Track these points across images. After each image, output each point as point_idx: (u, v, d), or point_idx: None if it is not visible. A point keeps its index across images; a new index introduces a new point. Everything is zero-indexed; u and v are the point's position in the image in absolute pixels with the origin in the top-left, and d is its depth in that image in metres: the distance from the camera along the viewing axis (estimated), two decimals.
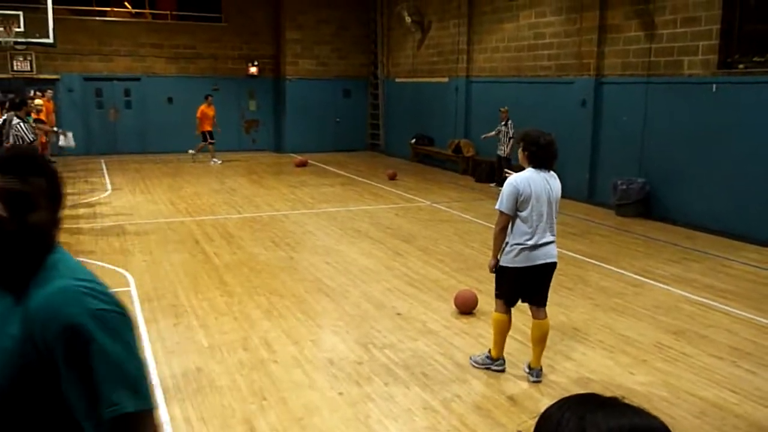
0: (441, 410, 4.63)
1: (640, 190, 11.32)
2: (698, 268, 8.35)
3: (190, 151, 18.23)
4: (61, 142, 14.08)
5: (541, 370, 5.14)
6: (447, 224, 10.75)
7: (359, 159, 19.82)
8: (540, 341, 5.14)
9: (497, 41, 15.53)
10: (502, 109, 13.93)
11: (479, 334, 6.04)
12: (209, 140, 17.83)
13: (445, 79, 17.49)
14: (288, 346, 5.73)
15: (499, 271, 5.06)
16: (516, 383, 5.08)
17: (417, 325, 6.27)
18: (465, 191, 14.14)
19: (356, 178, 15.91)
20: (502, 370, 5.26)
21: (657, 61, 11.32)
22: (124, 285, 7.41)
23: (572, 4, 13.07)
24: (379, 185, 14.75)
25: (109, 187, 14.20)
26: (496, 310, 5.25)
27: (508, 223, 4.93)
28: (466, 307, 6.61)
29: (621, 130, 12.08)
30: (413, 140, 18.85)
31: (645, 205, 11.37)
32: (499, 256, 5.01)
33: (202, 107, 17.71)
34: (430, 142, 18.45)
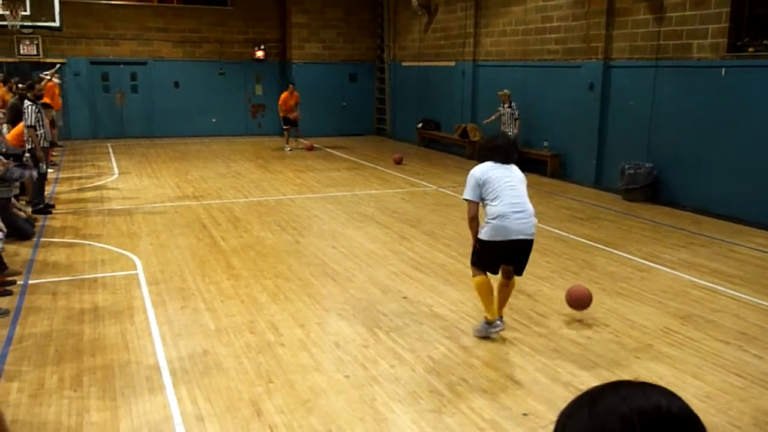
0: (447, 393, 4.65)
1: (648, 175, 11.27)
2: (705, 253, 8.32)
3: (289, 147, 17.82)
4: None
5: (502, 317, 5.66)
6: (453, 208, 10.73)
7: (366, 143, 19.78)
8: (507, 297, 5.74)
9: (504, 25, 15.41)
10: (500, 93, 13.89)
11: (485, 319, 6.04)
12: (284, 126, 17.80)
13: (452, 63, 17.39)
14: (294, 329, 5.76)
15: (477, 243, 5.52)
16: (522, 368, 5.09)
17: (423, 309, 6.28)
18: None
19: (362, 162, 15.88)
20: (502, 329, 5.58)
21: (666, 44, 11.22)
22: (131, 268, 7.45)
23: None
24: (385, 170, 14.72)
25: (116, 170, 14.23)
26: (474, 276, 5.62)
27: (477, 210, 5.48)
28: (580, 305, 6.09)
29: (629, 114, 12.00)
30: (420, 124, 18.78)
31: (652, 189, 11.32)
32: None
33: (284, 95, 17.68)
34: (436, 127, 18.39)
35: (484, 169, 5.43)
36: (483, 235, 5.41)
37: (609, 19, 12.28)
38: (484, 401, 4.55)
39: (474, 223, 5.52)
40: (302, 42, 20.71)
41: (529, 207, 5.44)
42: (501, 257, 5.45)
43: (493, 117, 14.26)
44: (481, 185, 5.37)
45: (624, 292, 6.82)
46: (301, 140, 18.30)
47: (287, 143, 17.80)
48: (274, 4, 20.85)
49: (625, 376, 1.25)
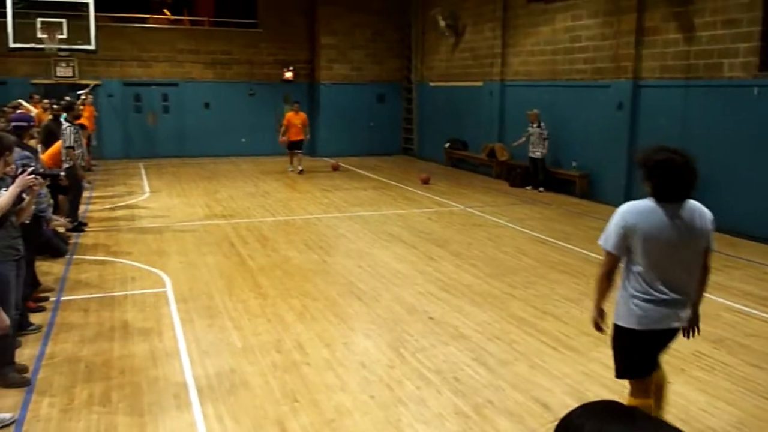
0: (473, 415, 4.61)
1: None
2: (739, 276, 8.15)
3: (299, 168, 17.02)
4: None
5: None
6: (480, 229, 10.70)
7: (393, 163, 19.84)
8: (664, 395, 4.26)
9: (532, 45, 15.42)
10: (529, 112, 13.98)
11: (512, 340, 5.99)
12: (293, 150, 16.97)
13: (480, 83, 17.42)
14: (320, 348, 5.76)
15: (614, 333, 3.96)
16: (550, 390, 5.02)
17: (449, 330, 6.25)
18: (499, 195, 14.05)
19: (389, 182, 15.93)
20: None
21: (696, 63, 11.12)
22: (160, 285, 7.53)
23: (609, 7, 12.91)
24: (412, 189, 14.74)
25: (147, 189, 14.46)
26: (633, 397, 4.01)
27: (615, 266, 3.88)
28: None
29: (659, 133, 11.87)
30: (447, 144, 18.80)
31: None
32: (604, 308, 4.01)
33: (289, 114, 16.98)
34: (463, 147, 18.39)
35: (638, 210, 3.74)
36: (622, 319, 3.83)
37: (638, 38, 12.22)
38: (510, 424, 4.50)
39: (606, 281, 3.93)
40: (330, 63, 20.93)
41: (693, 283, 3.87)
42: (654, 351, 3.95)
43: (522, 139, 14.33)
44: (627, 234, 3.73)
45: None
46: (327, 159, 18.37)
47: (291, 163, 17.17)
48: (303, 26, 21.13)
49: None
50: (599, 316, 4.06)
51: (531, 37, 15.44)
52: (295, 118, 16.73)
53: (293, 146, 16.90)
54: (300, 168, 16.94)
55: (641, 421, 0.98)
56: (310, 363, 5.44)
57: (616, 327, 3.91)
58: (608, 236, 3.82)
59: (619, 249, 3.79)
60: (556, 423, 1.05)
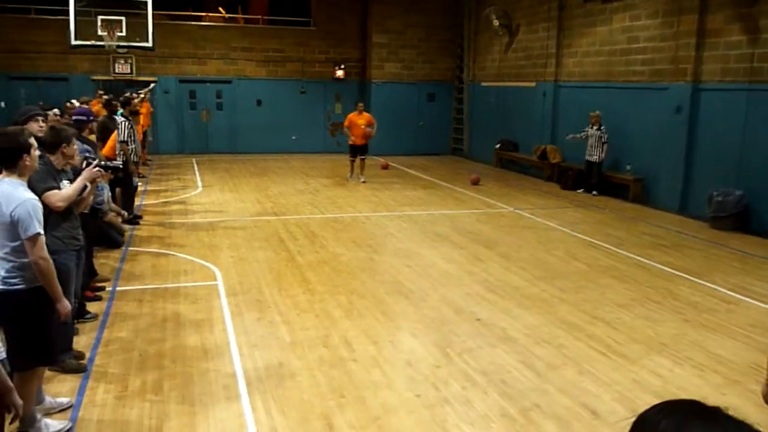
0: (519, 419, 4.56)
1: (738, 203, 10.77)
2: None
3: (362, 178, 15.28)
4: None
5: None
6: (530, 231, 10.57)
7: (442, 163, 19.77)
8: None
9: (588, 45, 15.16)
10: (592, 114, 13.68)
11: (561, 344, 5.91)
12: (358, 155, 15.20)
13: (533, 84, 17.21)
14: (367, 345, 5.79)
15: None
16: (598, 396, 4.93)
17: (497, 332, 6.20)
18: (550, 198, 13.86)
19: (438, 182, 15.88)
20: None
21: (760, 66, 10.74)
22: (211, 279, 7.68)
23: (669, 7, 12.59)
24: (461, 190, 14.67)
25: (200, 184, 14.75)
26: None
27: None
28: None
29: (718, 138, 11.54)
30: (498, 145, 18.64)
31: (742, 218, 10.80)
32: None
33: (351, 116, 15.27)
34: (515, 148, 18.20)
35: None
36: None
37: (699, 40, 11.88)
38: (557, 429, 4.44)
39: None
40: (382, 62, 20.99)
41: None
42: None
43: (579, 135, 13.97)
44: None
45: (709, 324, 6.52)
46: (377, 158, 18.30)
47: (352, 172, 15.48)
48: (355, 24, 21.24)
49: (733, 414, 1.18)
50: None
51: (586, 38, 15.18)
52: (358, 118, 15.05)
53: (356, 151, 15.20)
54: (362, 178, 15.26)
55: (724, 421, 0.94)
56: (357, 359, 5.47)
57: None
58: None
59: None
60: (633, 419, 1.03)
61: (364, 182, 15.10)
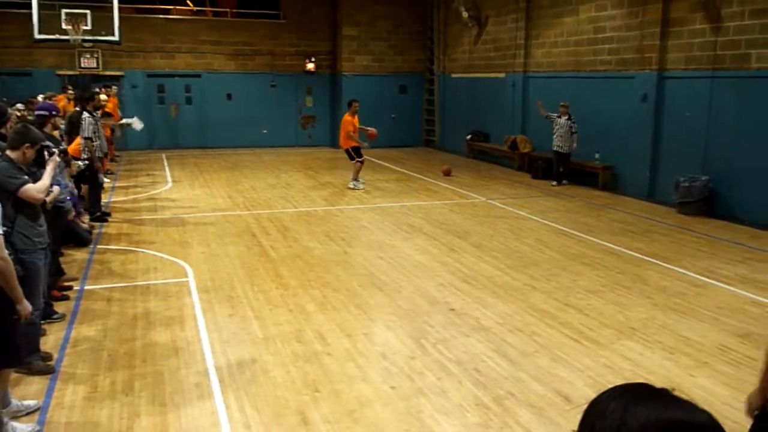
0: (494, 407, 4.59)
1: (703, 188, 10.95)
2: (764, 269, 8.02)
3: (350, 185, 13.72)
4: (135, 125, 14.73)
5: None
6: (502, 221, 10.63)
7: (414, 155, 19.79)
8: None
9: (556, 36, 15.26)
10: (562, 104, 13.69)
11: (533, 332, 5.96)
12: (357, 158, 13.54)
13: (502, 75, 17.29)
14: (341, 339, 5.77)
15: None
16: (571, 382, 4.98)
17: (470, 322, 6.22)
18: (520, 188, 13.95)
19: (411, 173, 15.89)
20: None
21: (723, 54, 10.92)
22: (182, 275, 7.59)
23: None
24: (433, 181, 14.69)
25: (169, 180, 14.57)
26: None
27: None
28: None
29: (683, 125, 11.71)
30: (469, 136, 18.71)
31: (708, 203, 10.99)
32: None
33: (347, 116, 13.49)
34: (485, 138, 18.28)
35: None
36: None
37: (663, 29, 12.03)
38: (531, 416, 4.47)
39: None
40: (352, 54, 20.90)
41: None
42: None
43: (548, 114, 13.83)
44: None
45: (678, 308, 6.63)
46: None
47: (358, 177, 13.77)
48: (325, 17, 21.11)
49: (679, 394, 1.19)
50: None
51: (554, 28, 15.28)
52: (354, 119, 13.46)
53: (359, 153, 13.60)
54: (361, 183, 13.77)
55: (670, 402, 0.97)
56: (331, 353, 5.45)
57: None
58: None
59: None
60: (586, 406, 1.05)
61: (362, 186, 13.64)
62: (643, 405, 0.97)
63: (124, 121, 15.80)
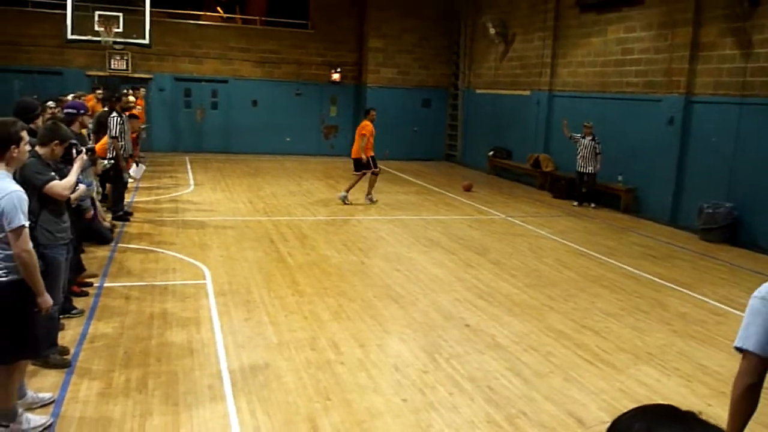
0: (505, 426, 4.55)
1: (727, 215, 10.82)
2: None
3: (341, 194, 13.16)
4: (132, 171, 12.84)
5: None
6: (521, 238, 10.58)
7: (435, 169, 19.79)
8: None
9: (583, 56, 15.22)
10: (586, 124, 13.57)
11: (549, 352, 5.91)
12: (372, 168, 13.08)
13: (527, 92, 17.26)
14: (355, 348, 5.76)
15: None
16: (584, 405, 4.93)
17: (485, 338, 6.19)
18: (542, 206, 13.88)
19: (431, 187, 15.89)
20: None
21: (752, 81, 10.82)
22: (200, 278, 7.64)
23: (664, 20, 12.67)
24: (454, 196, 14.67)
25: (192, 183, 14.70)
26: None
27: (762, 372, 2.73)
28: None
29: (710, 151, 11.60)
30: (491, 152, 18.67)
31: (731, 230, 10.86)
32: None
33: (365, 122, 13.02)
34: (508, 155, 18.24)
35: None
36: None
37: (693, 53, 11.95)
38: None
39: (746, 399, 2.77)
40: (378, 66, 21.00)
41: None
42: None
43: (571, 134, 13.74)
44: None
45: (697, 336, 6.54)
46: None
47: (370, 192, 13.33)
48: (352, 28, 21.26)
49: (707, 419, 1.16)
50: None
51: (581, 48, 15.25)
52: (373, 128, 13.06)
53: (368, 165, 13.10)
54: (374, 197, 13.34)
55: (695, 426, 0.95)
56: (344, 362, 5.45)
57: None
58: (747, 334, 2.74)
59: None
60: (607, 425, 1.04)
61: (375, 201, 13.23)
62: (666, 426, 0.95)
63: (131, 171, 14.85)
